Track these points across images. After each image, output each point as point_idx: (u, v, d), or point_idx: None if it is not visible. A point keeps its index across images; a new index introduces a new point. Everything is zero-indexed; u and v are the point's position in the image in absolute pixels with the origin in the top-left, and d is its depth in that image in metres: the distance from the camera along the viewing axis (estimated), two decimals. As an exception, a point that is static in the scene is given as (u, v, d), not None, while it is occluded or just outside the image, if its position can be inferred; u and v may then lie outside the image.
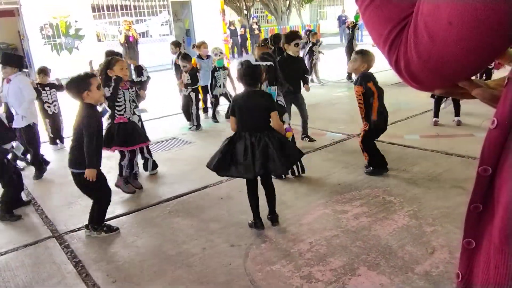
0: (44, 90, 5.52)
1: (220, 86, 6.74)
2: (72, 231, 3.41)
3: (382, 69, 4.78)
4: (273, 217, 3.20)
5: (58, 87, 5.57)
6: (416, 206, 3.32)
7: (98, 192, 3.25)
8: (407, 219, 3.13)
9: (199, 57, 6.99)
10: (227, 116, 6.29)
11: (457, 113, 5.44)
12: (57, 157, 5.54)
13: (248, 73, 3.02)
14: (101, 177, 3.20)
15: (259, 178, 3.10)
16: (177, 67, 7.12)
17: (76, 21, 15.12)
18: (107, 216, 3.42)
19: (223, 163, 2.98)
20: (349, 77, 9.47)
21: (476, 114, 5.46)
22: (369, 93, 3.81)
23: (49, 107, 5.59)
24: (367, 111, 3.90)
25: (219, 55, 6.75)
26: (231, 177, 3.49)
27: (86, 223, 3.30)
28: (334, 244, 2.88)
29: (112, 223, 3.47)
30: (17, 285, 2.74)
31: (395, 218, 3.16)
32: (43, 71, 5.57)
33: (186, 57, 6.36)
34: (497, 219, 0.64)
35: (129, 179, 4.14)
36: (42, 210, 3.86)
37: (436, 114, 5.50)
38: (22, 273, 2.87)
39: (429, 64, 0.63)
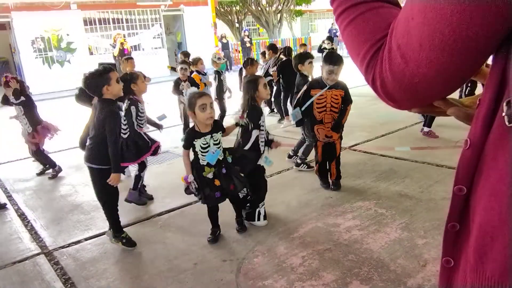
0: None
1: (225, 91, 6.85)
2: (62, 247, 3.36)
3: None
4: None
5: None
6: (407, 218, 3.33)
7: (104, 195, 3.19)
8: (399, 232, 3.13)
9: (198, 72, 7.03)
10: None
11: (429, 124, 5.48)
12: (45, 172, 5.49)
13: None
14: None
15: None
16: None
17: (67, 35, 15.16)
18: (96, 232, 3.37)
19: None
20: None
21: (467, 126, 5.51)
22: (348, 98, 3.92)
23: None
24: (340, 117, 3.94)
25: (222, 60, 6.86)
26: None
27: (76, 239, 3.25)
28: (326, 258, 2.87)
29: (102, 238, 3.44)
30: (5, 303, 2.69)
31: (387, 231, 3.17)
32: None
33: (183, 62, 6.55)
34: (472, 239, 0.65)
35: (141, 190, 4.13)
36: (31, 226, 3.81)
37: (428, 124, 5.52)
38: (10, 291, 2.81)
39: (403, 84, 0.64)
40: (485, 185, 0.63)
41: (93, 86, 3.03)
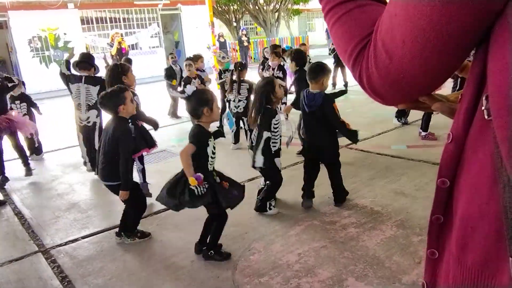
0: (14, 103, 5.51)
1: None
2: (59, 245, 3.37)
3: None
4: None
5: (29, 100, 5.63)
6: (403, 216, 3.35)
7: (134, 201, 3.27)
8: (395, 229, 3.15)
9: (197, 70, 7.04)
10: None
11: (425, 128, 5.47)
12: (42, 170, 5.51)
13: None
14: (136, 187, 3.31)
15: None
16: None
17: (65, 34, 15.13)
18: (93, 230, 3.38)
19: None
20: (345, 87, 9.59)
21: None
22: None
23: None
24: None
25: (226, 58, 6.84)
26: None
27: (73, 237, 3.26)
28: (322, 255, 2.89)
29: (99, 236, 3.45)
30: (2, 301, 2.70)
31: (383, 228, 3.18)
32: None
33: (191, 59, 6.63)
34: (454, 230, 0.67)
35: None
36: (28, 225, 3.81)
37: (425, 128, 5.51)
38: (7, 289, 2.82)
39: (388, 80, 0.65)
40: (466, 178, 0.64)
41: (110, 105, 3.16)
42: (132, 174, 3.23)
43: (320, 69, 3.59)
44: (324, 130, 3.60)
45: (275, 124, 3.43)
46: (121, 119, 3.18)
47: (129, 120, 3.39)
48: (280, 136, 3.54)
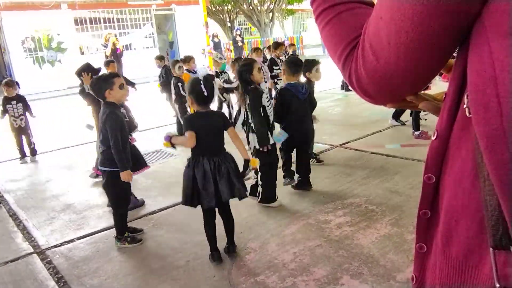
0: (10, 104, 5.50)
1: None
2: (54, 246, 3.37)
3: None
4: (232, 248, 2.99)
5: (25, 101, 5.62)
6: (397, 214, 3.38)
7: (114, 197, 3.25)
8: (389, 228, 3.18)
9: (189, 71, 7.03)
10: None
11: (416, 128, 5.52)
12: (36, 171, 5.49)
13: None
14: (122, 184, 3.18)
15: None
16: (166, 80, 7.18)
17: (58, 34, 15.05)
18: (89, 231, 3.38)
19: (191, 196, 2.80)
20: (345, 87, 9.62)
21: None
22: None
23: (15, 120, 5.58)
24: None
25: (223, 60, 6.86)
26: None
27: (68, 238, 3.27)
28: (317, 254, 2.91)
29: (95, 237, 3.45)
30: (-3, 303, 2.70)
31: (377, 227, 3.21)
32: (8, 84, 5.55)
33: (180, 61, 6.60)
34: (440, 224, 0.69)
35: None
36: (23, 226, 3.80)
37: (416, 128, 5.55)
38: (2, 290, 2.82)
39: (376, 80, 0.68)
40: (450, 173, 0.67)
41: (97, 89, 3.17)
42: (128, 156, 3.17)
43: (301, 64, 4.16)
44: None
45: (266, 100, 3.55)
46: (109, 104, 3.15)
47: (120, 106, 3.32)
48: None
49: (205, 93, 2.74)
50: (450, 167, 0.67)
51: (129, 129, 3.80)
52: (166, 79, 7.54)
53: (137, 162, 3.86)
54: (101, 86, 3.13)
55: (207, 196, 2.73)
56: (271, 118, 3.66)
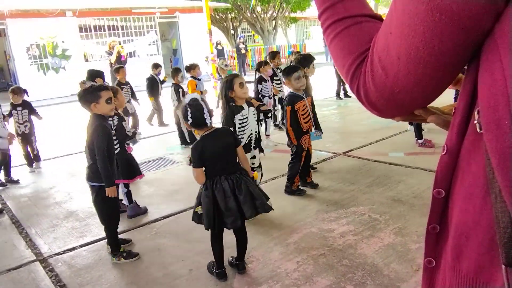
0: (15, 110, 5.54)
1: None
2: (57, 254, 3.36)
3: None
4: (242, 265, 2.89)
5: (30, 106, 5.67)
6: (401, 223, 3.36)
7: (105, 214, 3.15)
8: (393, 237, 3.16)
9: (194, 78, 7.06)
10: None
11: (419, 136, 5.49)
12: (38, 179, 5.50)
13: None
14: (111, 201, 3.11)
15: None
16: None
17: (63, 41, 15.15)
18: (91, 239, 3.37)
19: (214, 218, 2.67)
20: (345, 95, 9.61)
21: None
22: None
23: (19, 127, 5.60)
24: (317, 119, 4.38)
25: (228, 67, 6.89)
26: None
27: (71, 246, 3.25)
28: (321, 263, 2.89)
29: (98, 245, 3.45)
30: (-1, 311, 2.69)
31: (381, 236, 3.19)
32: (14, 91, 5.59)
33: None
34: (450, 239, 0.69)
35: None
36: (26, 233, 3.80)
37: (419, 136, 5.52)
38: (4, 298, 2.81)
39: (384, 94, 0.68)
40: (460, 188, 0.66)
41: (83, 101, 3.13)
42: (114, 172, 3.14)
43: (297, 68, 4.17)
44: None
45: (239, 120, 3.49)
46: (95, 116, 3.10)
47: (109, 117, 3.33)
48: (251, 134, 3.59)
49: (197, 119, 2.66)
50: (460, 182, 0.67)
51: (123, 138, 3.83)
52: (151, 88, 7.97)
53: (132, 171, 3.90)
54: (87, 99, 3.09)
55: (232, 215, 2.60)
56: (244, 139, 3.52)
